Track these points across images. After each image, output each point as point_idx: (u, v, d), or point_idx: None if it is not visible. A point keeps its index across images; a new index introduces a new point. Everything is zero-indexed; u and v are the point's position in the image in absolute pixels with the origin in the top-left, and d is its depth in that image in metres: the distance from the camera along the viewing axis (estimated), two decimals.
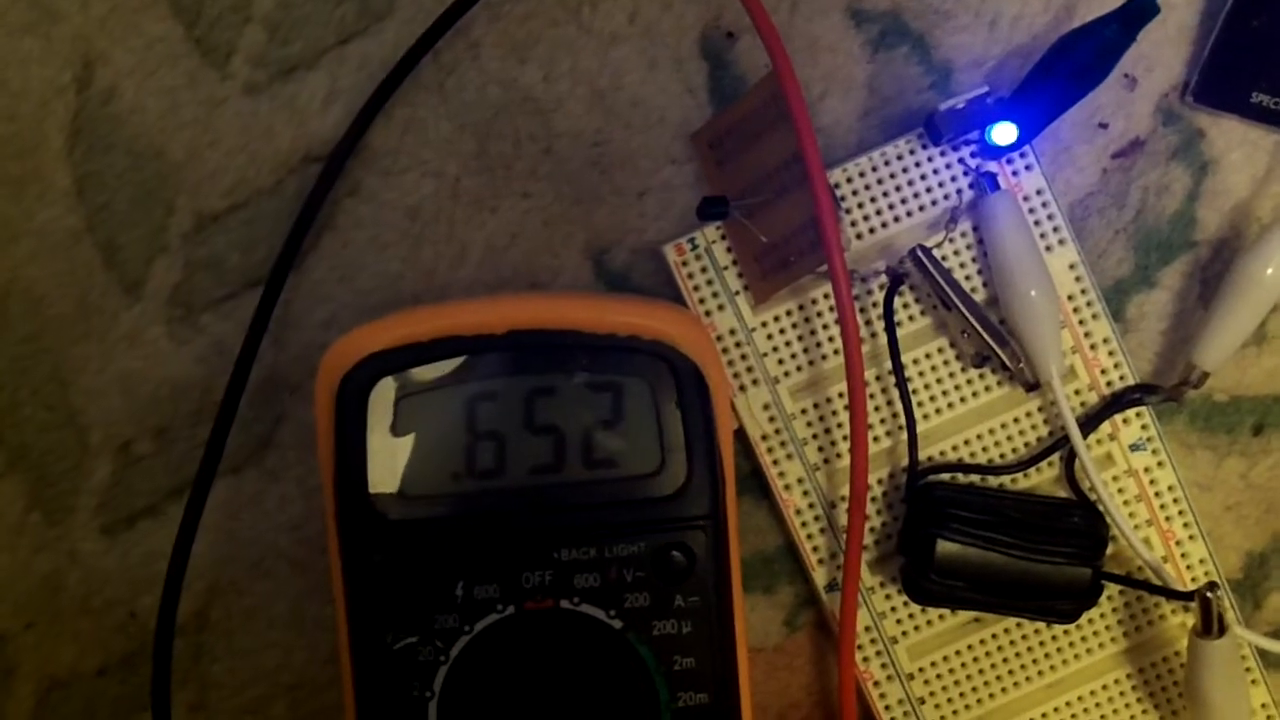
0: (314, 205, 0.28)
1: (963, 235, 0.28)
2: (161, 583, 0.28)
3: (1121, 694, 0.29)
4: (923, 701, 0.29)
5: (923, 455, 0.28)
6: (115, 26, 0.29)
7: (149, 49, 0.29)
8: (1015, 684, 0.29)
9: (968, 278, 0.28)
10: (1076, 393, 0.28)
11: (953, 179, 0.28)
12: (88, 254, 0.29)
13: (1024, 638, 0.28)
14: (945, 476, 0.28)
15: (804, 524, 0.28)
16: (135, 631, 0.30)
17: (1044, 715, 0.29)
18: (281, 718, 0.30)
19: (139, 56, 0.29)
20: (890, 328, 0.27)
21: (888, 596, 0.28)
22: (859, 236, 0.28)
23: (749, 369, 0.28)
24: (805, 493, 0.28)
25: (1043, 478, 0.28)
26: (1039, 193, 0.28)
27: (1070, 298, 0.28)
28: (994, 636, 0.28)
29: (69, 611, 0.30)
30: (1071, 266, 0.28)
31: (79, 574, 0.30)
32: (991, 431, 0.28)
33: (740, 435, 0.28)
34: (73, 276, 0.29)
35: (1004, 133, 0.27)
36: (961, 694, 0.29)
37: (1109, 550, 0.28)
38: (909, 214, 0.28)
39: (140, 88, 0.29)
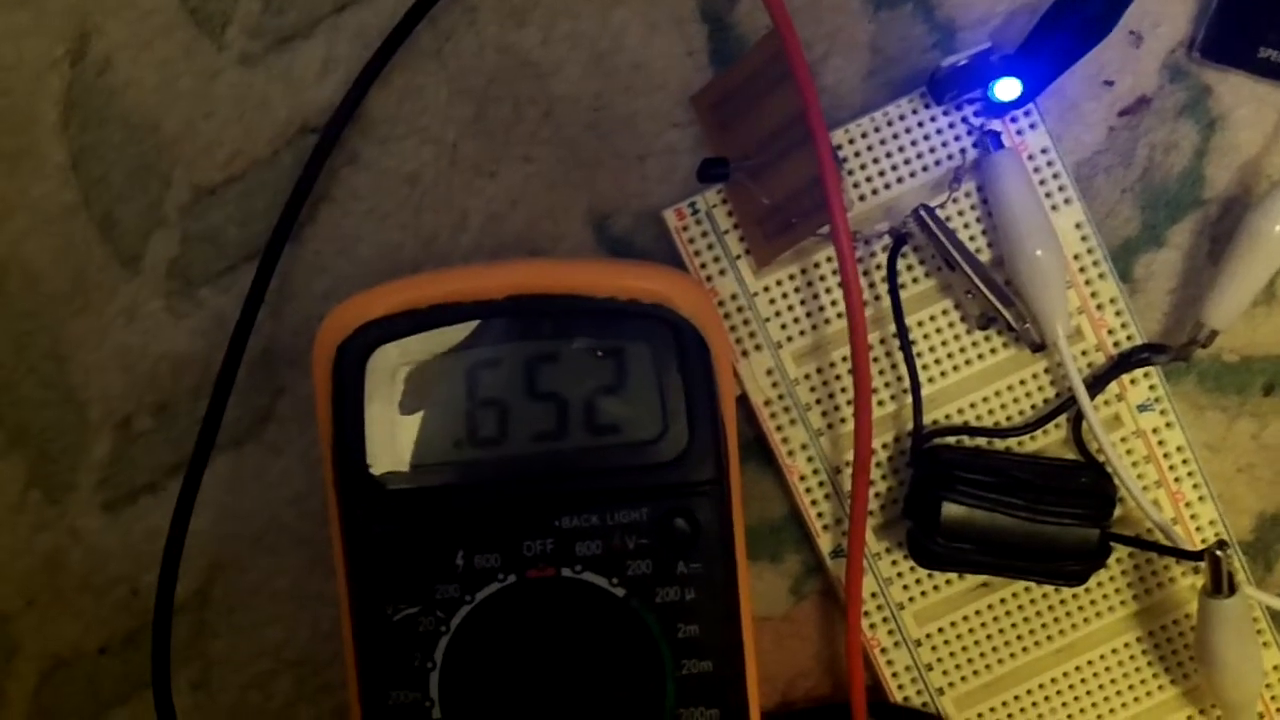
0: (311, 176, 0.28)
1: (967, 195, 0.27)
2: (162, 559, 0.28)
3: (1132, 657, 0.28)
4: (930, 668, 0.28)
5: (928, 419, 0.28)
6: None
7: (144, 20, 0.29)
8: (1024, 649, 0.28)
9: (972, 238, 0.28)
10: (1083, 353, 0.28)
11: (956, 138, 0.27)
12: (84, 228, 0.29)
13: (1032, 602, 0.28)
14: (951, 440, 0.28)
15: (808, 490, 0.28)
16: (137, 609, 0.30)
17: (1053, 680, 0.28)
18: (285, 693, 0.30)
19: (134, 28, 0.29)
20: (894, 289, 0.27)
21: (894, 562, 0.28)
22: (862, 198, 0.28)
23: (751, 334, 0.28)
24: (809, 459, 0.28)
25: (1050, 440, 0.28)
26: (1044, 151, 0.27)
27: (1076, 257, 0.28)
28: (1002, 601, 0.28)
29: (70, 589, 0.30)
30: (1078, 226, 0.28)
31: (80, 551, 0.30)
32: (998, 394, 0.28)
33: (743, 401, 0.28)
34: (69, 251, 0.29)
35: (1008, 88, 0.26)
36: (970, 659, 0.28)
37: (1118, 513, 0.27)
38: (912, 174, 0.27)
39: (135, 60, 0.29)
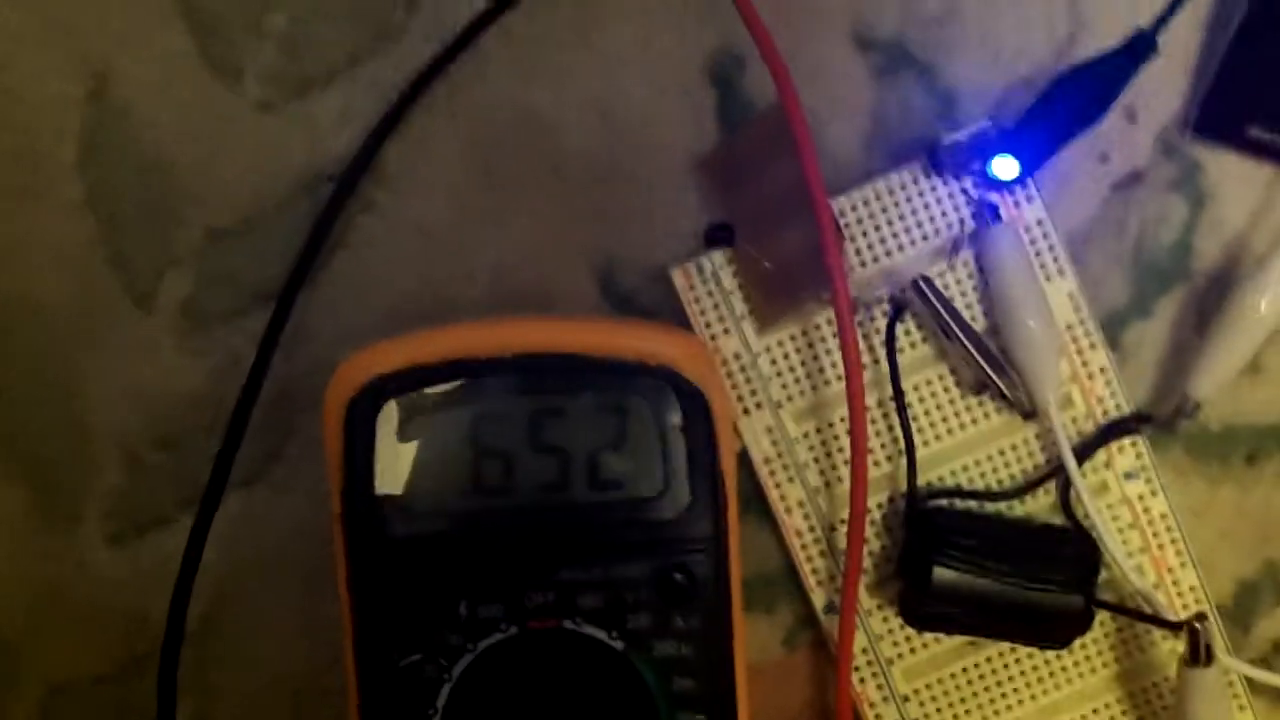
0: (326, 222, 0.29)
1: (964, 264, 0.28)
2: (168, 592, 0.28)
3: (1113, 718, 0.29)
4: None
5: (922, 480, 0.28)
6: (130, 41, 0.29)
7: (163, 64, 0.29)
8: (1009, 707, 0.29)
9: (968, 305, 0.28)
10: (1073, 420, 0.29)
11: (955, 208, 0.28)
12: (99, 266, 0.29)
13: (1018, 661, 0.29)
14: (944, 502, 0.28)
15: (804, 546, 0.29)
16: (140, 640, 0.30)
17: None
18: None
19: (152, 72, 0.29)
20: (891, 355, 0.28)
21: (885, 619, 0.29)
22: (863, 264, 0.28)
23: (753, 392, 0.29)
24: (806, 515, 0.29)
25: (1039, 504, 0.29)
26: (1039, 223, 0.28)
27: (1068, 327, 0.28)
28: (988, 660, 0.29)
29: (74, 619, 0.30)
30: (1070, 296, 0.28)
31: (85, 582, 0.30)
32: (989, 458, 0.29)
33: (743, 457, 0.29)
34: (84, 288, 0.29)
35: (1005, 167, 0.27)
36: (955, 716, 0.29)
37: (1103, 576, 0.28)
38: (912, 242, 0.28)
39: (153, 103, 0.29)
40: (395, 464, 0.25)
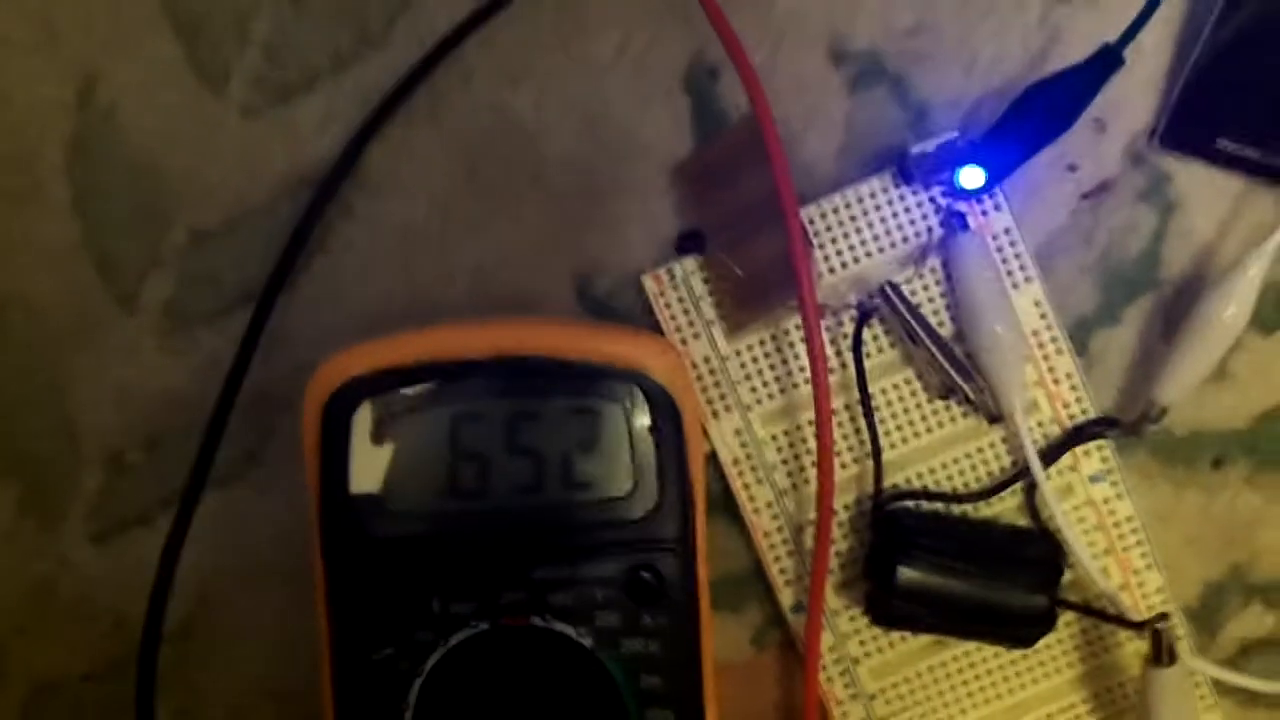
0: (308, 226, 0.29)
1: (932, 271, 0.29)
2: (149, 591, 0.29)
3: (1078, 717, 0.30)
4: None
5: (888, 482, 0.29)
6: (117, 47, 0.29)
7: (150, 69, 0.29)
8: (975, 705, 0.29)
9: (935, 312, 0.29)
10: (1039, 424, 0.29)
11: (924, 216, 0.29)
12: (84, 267, 0.30)
13: (984, 660, 0.29)
14: (910, 504, 0.29)
15: (772, 546, 0.29)
16: (123, 638, 0.30)
17: None
18: None
19: (139, 76, 0.29)
20: (858, 360, 0.28)
21: (852, 618, 0.29)
22: (831, 270, 0.29)
23: (722, 395, 0.29)
24: (774, 516, 0.29)
25: (1005, 506, 0.29)
26: (1007, 231, 0.29)
27: (1035, 333, 0.29)
28: (955, 658, 0.29)
29: (59, 617, 0.30)
30: (1037, 303, 0.29)
31: (69, 580, 0.30)
32: (956, 460, 0.29)
33: (713, 459, 0.29)
34: (70, 289, 0.30)
35: (972, 177, 0.27)
36: (923, 714, 0.29)
37: (1068, 577, 0.29)
38: (880, 250, 0.29)
39: (140, 107, 0.29)
40: (371, 464, 0.26)
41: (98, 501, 0.30)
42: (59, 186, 0.30)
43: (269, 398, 0.30)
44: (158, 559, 0.29)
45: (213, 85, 0.29)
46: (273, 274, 0.29)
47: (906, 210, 0.29)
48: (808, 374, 0.29)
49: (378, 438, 0.25)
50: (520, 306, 0.30)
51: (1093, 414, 0.29)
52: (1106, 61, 0.27)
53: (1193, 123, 0.29)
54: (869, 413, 0.28)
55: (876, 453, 0.28)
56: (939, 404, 0.29)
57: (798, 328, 0.29)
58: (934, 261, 0.29)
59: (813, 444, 0.29)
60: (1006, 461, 0.29)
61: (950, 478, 0.29)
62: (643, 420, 0.26)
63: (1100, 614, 0.28)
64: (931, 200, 0.29)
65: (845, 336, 0.29)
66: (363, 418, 0.25)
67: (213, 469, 0.29)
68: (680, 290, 0.29)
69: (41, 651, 0.30)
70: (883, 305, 0.28)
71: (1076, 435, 0.29)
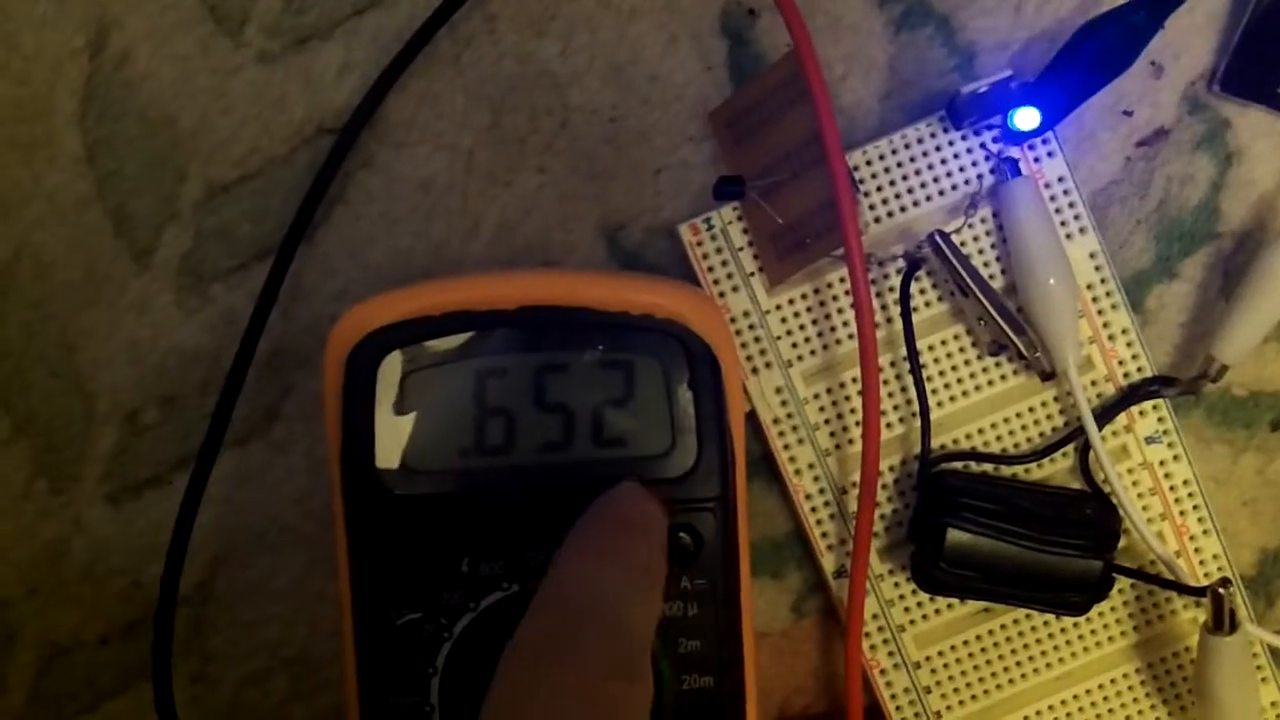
0: (326, 177, 0.28)
1: (982, 221, 0.28)
2: (165, 553, 0.28)
3: (1130, 688, 0.28)
4: (929, 690, 0.28)
5: (935, 443, 0.28)
6: None
7: (163, 15, 0.29)
8: (1023, 675, 0.28)
9: (986, 264, 0.28)
10: (1093, 383, 0.28)
11: (974, 164, 0.27)
12: (97, 220, 0.29)
13: (1033, 629, 0.28)
14: (958, 465, 0.28)
15: (814, 509, 0.28)
16: (139, 601, 0.30)
17: (1051, 708, 0.28)
18: (282, 691, 0.30)
19: (153, 22, 0.29)
20: (906, 313, 0.27)
21: (896, 584, 0.28)
22: (877, 220, 0.28)
23: (762, 352, 0.28)
24: (816, 478, 0.28)
25: (1056, 469, 0.28)
26: (1060, 180, 0.27)
27: (1089, 287, 0.28)
28: (1003, 627, 0.28)
29: (73, 579, 0.30)
30: (1091, 255, 0.28)
31: (83, 542, 0.30)
32: (1006, 420, 0.28)
33: (751, 419, 0.28)
34: (82, 243, 0.29)
35: (1026, 118, 0.26)
36: (968, 684, 0.28)
37: (1122, 543, 0.27)
38: (928, 198, 0.27)
39: (154, 54, 0.29)
40: (395, 420, 0.25)
41: (112, 462, 0.29)
42: (70, 137, 0.29)
43: (287, 354, 0.29)
44: (174, 520, 0.28)
45: (229, 31, 0.29)
46: (291, 227, 0.28)
47: (956, 156, 0.27)
48: (852, 329, 0.28)
49: (402, 391, 0.25)
50: (547, 259, 0.29)
51: (1149, 372, 0.28)
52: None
53: (1255, 66, 0.27)
54: (916, 370, 0.27)
55: (924, 412, 0.27)
56: (989, 361, 0.28)
57: (841, 280, 0.27)
58: (984, 211, 0.27)
59: (857, 403, 0.28)
60: (1059, 421, 0.28)
61: (1000, 438, 0.28)
62: (681, 374, 0.24)
63: (1158, 580, 0.27)
64: (982, 146, 0.27)
65: (891, 290, 0.27)
66: (388, 370, 0.24)
67: (230, 428, 0.28)
68: (719, 240, 0.28)
69: (55, 614, 0.30)
70: (931, 256, 0.27)
71: (1132, 394, 0.28)
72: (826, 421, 0.28)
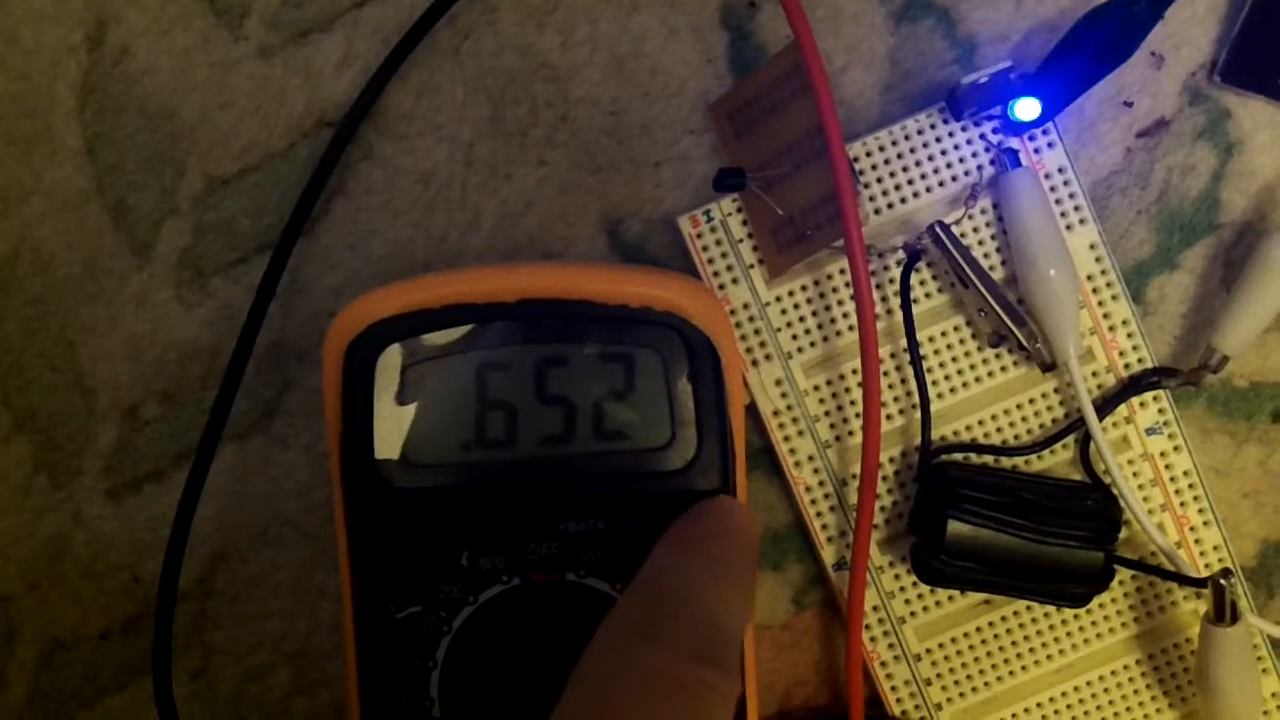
0: (325, 170, 0.28)
1: (982, 212, 0.27)
2: (165, 548, 0.28)
3: (1131, 680, 0.28)
4: (929, 683, 0.28)
5: (936, 435, 0.28)
6: None
7: (162, 9, 0.28)
8: (1024, 667, 0.28)
9: (986, 255, 0.27)
10: (1094, 374, 0.28)
11: (974, 155, 0.27)
12: (97, 215, 0.29)
13: (1034, 621, 0.28)
14: (958, 456, 0.28)
15: (814, 501, 0.28)
16: (139, 596, 0.30)
17: (1052, 699, 0.28)
18: (283, 685, 0.30)
19: (152, 16, 0.28)
20: (906, 304, 0.27)
21: (897, 576, 0.28)
22: (877, 211, 0.28)
23: (762, 344, 0.28)
24: (816, 470, 0.28)
25: (1057, 460, 0.28)
26: (1061, 170, 0.27)
27: (1090, 278, 0.28)
28: (1003, 619, 0.28)
29: (73, 574, 0.30)
30: (1092, 246, 0.28)
31: (84, 537, 0.30)
32: (1007, 412, 0.28)
33: (752, 411, 0.28)
34: (82, 237, 0.29)
35: (1027, 108, 0.26)
36: (969, 676, 0.28)
37: (1122, 534, 0.27)
38: (928, 189, 0.27)
39: (153, 48, 0.28)
40: (395, 412, 0.25)
41: (112, 456, 0.29)
42: (70, 131, 0.29)
43: (287, 348, 0.29)
44: (174, 515, 0.28)
45: (228, 25, 0.28)
46: (290, 220, 0.28)
47: (956, 147, 0.27)
48: (852, 320, 0.27)
49: (402, 384, 0.24)
50: (548, 252, 0.29)
51: (1150, 363, 0.28)
52: None
53: (1256, 56, 0.27)
54: (916, 361, 0.27)
55: (924, 403, 0.27)
56: (989, 352, 0.28)
57: (841, 272, 0.27)
58: (985, 202, 0.27)
59: (857, 394, 0.28)
60: (1060, 413, 0.28)
61: (1001, 429, 0.28)
62: (681, 367, 0.24)
63: (1159, 571, 0.27)
64: (983, 137, 0.27)
65: (891, 281, 0.27)
66: (387, 363, 0.24)
67: (230, 422, 0.28)
68: (718, 232, 0.28)
69: (55, 609, 0.30)
70: (931, 247, 0.27)
71: (1133, 385, 0.28)
72: (827, 413, 0.28)
